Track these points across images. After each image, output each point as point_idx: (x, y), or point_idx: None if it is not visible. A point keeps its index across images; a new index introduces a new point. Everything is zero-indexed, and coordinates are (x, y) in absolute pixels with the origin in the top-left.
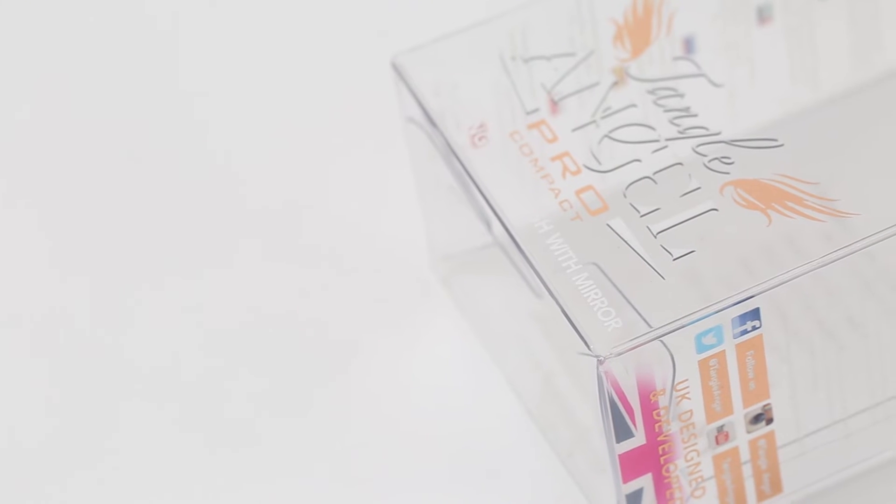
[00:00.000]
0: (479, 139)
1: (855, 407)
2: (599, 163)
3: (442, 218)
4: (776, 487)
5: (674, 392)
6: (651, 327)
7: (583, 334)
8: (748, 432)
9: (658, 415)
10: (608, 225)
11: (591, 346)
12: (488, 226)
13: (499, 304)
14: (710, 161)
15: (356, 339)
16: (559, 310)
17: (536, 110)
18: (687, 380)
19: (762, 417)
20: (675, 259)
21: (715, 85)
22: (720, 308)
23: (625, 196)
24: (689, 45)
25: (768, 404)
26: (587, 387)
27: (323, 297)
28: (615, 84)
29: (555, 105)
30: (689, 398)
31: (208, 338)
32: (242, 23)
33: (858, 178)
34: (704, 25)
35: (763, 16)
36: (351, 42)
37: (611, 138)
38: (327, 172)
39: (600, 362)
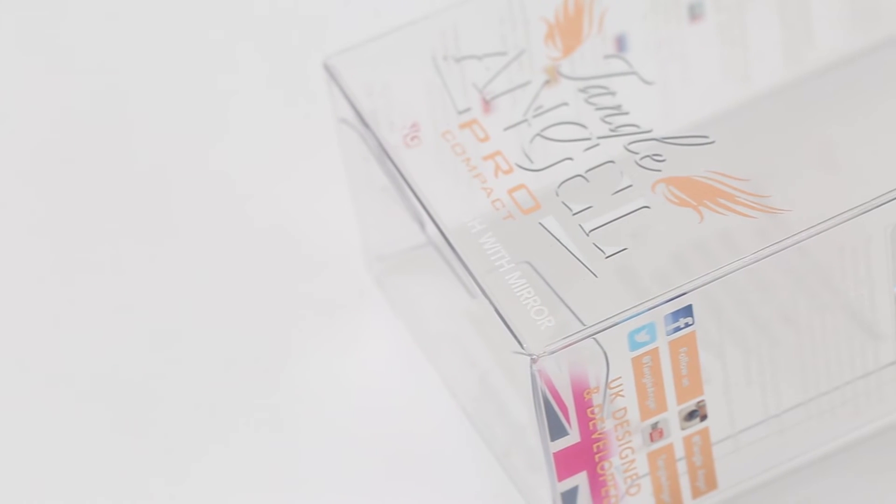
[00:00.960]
0: (412, 139)
1: (788, 402)
2: (531, 161)
3: (376, 218)
4: (711, 484)
5: (607, 390)
6: (584, 325)
7: (516, 333)
8: (682, 429)
9: (592, 413)
10: (541, 224)
11: (525, 345)
12: (422, 226)
13: (434, 303)
14: (641, 159)
15: (292, 340)
16: (492, 309)
17: (468, 110)
18: (620, 377)
19: (696, 414)
20: (607, 257)
21: (646, 83)
22: (652, 305)
23: (557, 194)
24: (620, 43)
25: (702, 401)
26: (521, 385)
27: (258, 299)
28: (547, 83)
29: (487, 104)
30: (622, 395)
31: (142, 340)
32: (179, 24)
33: (790, 174)
34: (636, 24)
35: (694, 13)
36: (285, 43)
37: (543, 137)
38: (262, 174)
39: (533, 361)
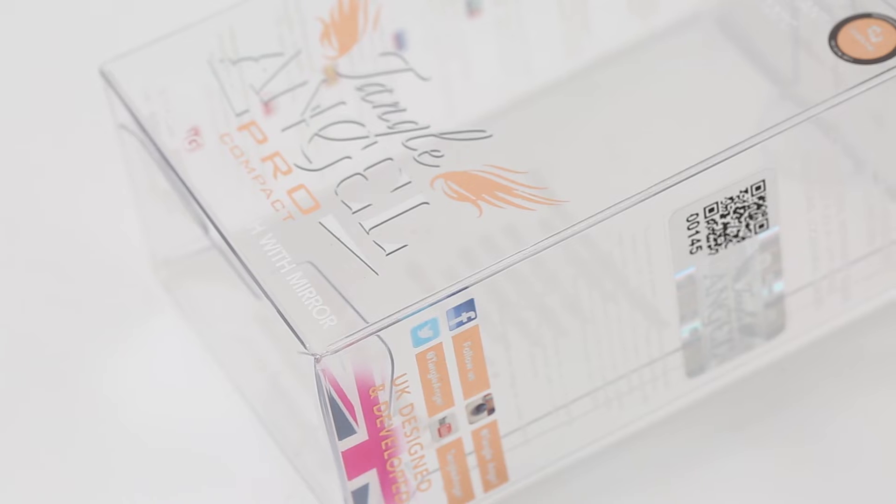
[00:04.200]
0: (191, 143)
1: (576, 392)
2: (310, 161)
3: (160, 223)
4: (502, 476)
5: (393, 387)
6: (367, 323)
7: (298, 333)
8: (470, 423)
9: (379, 410)
10: (321, 223)
11: (307, 345)
12: (205, 230)
13: (221, 307)
14: (419, 155)
15: (78, 347)
16: (275, 310)
17: (246, 111)
18: (406, 374)
19: (483, 408)
20: (388, 254)
21: (423, 79)
22: (434, 301)
23: (336, 194)
24: (399, 40)
25: (489, 394)
26: (309, 386)
27: (43, 308)
28: (324, 82)
29: (265, 106)
30: (409, 392)
31: None
32: None
33: (570, 164)
34: (413, 20)
35: (472, 8)
36: (64, 50)
37: (321, 136)
38: (43, 182)
39: (317, 360)
